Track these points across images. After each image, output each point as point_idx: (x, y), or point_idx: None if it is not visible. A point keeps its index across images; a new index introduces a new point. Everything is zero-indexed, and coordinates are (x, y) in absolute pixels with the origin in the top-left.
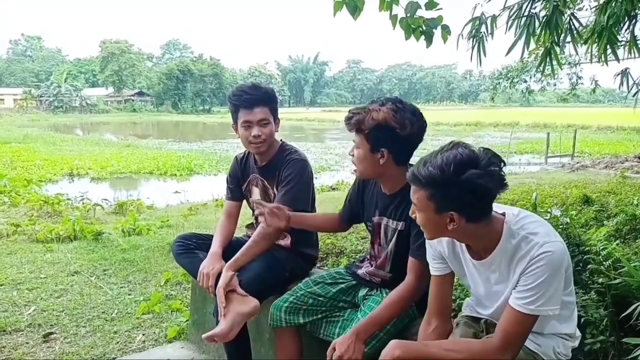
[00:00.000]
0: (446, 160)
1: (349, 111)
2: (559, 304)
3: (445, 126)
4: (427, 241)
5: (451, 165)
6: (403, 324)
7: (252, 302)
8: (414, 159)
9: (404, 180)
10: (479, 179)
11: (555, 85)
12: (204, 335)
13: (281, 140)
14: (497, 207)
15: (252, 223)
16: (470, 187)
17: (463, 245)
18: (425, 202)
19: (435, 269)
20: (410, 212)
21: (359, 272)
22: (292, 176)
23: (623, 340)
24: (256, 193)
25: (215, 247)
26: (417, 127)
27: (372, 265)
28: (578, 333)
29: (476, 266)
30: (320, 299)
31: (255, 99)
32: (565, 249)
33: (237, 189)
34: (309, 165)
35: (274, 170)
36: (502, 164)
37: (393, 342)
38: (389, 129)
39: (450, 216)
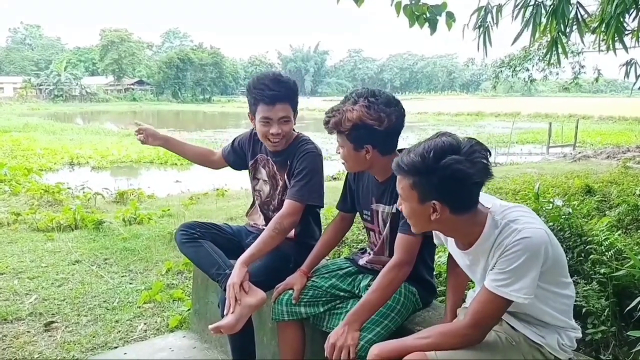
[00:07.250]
0: (427, 148)
1: (325, 114)
2: (532, 294)
3: (446, 116)
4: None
5: (431, 152)
6: (408, 313)
7: (259, 294)
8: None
9: None
10: (459, 165)
11: (557, 74)
12: (210, 327)
13: (293, 129)
14: (486, 200)
15: (255, 211)
16: (450, 173)
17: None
18: (409, 191)
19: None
20: (397, 204)
21: (360, 262)
22: (307, 170)
23: (628, 333)
24: (263, 174)
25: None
26: (394, 116)
27: (372, 254)
28: (576, 325)
29: (462, 255)
30: (321, 289)
31: (277, 96)
32: (546, 237)
33: (237, 157)
34: (322, 158)
35: (286, 158)
36: (487, 153)
37: (372, 347)
38: (367, 126)
39: (432, 206)
